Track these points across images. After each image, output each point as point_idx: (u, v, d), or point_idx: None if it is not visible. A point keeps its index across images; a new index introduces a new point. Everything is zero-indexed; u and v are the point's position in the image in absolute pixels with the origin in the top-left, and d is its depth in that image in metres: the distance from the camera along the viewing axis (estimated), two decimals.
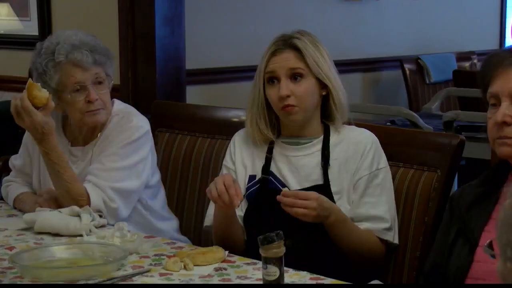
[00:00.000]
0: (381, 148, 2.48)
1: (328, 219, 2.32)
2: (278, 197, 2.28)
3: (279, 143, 2.52)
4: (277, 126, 2.53)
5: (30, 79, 2.57)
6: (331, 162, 2.46)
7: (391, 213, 2.44)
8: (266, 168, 2.50)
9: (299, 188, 2.43)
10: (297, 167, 2.47)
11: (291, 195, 2.28)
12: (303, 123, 2.48)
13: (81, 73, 2.65)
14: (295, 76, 2.43)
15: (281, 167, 2.49)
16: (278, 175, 2.48)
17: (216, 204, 2.36)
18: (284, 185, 2.44)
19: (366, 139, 2.48)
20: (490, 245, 1.28)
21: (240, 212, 2.48)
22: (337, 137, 2.49)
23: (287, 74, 2.43)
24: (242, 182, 2.50)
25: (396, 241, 2.46)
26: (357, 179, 2.44)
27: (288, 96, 2.41)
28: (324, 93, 2.49)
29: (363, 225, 2.42)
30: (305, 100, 2.44)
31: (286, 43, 2.45)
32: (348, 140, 2.48)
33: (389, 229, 2.43)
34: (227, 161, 2.58)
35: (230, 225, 2.43)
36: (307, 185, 2.43)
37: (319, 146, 2.49)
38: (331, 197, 2.41)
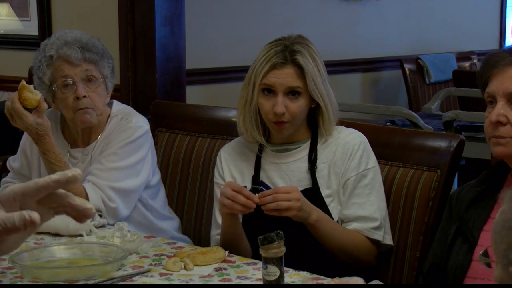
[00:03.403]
0: (370, 148, 2.48)
1: (311, 216, 2.31)
2: (259, 199, 2.25)
3: (268, 152, 2.51)
4: (268, 131, 2.52)
5: (22, 81, 2.57)
6: (320, 165, 2.45)
7: (381, 212, 2.43)
8: (256, 178, 2.49)
9: None
10: (287, 173, 2.47)
11: (271, 193, 2.28)
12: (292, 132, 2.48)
13: (69, 68, 2.66)
14: (291, 92, 2.42)
15: (272, 175, 2.48)
16: (269, 184, 2.47)
17: (234, 211, 2.31)
18: None
19: (354, 140, 2.47)
20: (485, 254, 1.28)
21: None
22: (325, 139, 2.49)
23: (285, 91, 2.41)
24: None
25: (387, 241, 2.45)
26: (345, 180, 2.43)
27: (283, 114, 2.41)
28: (313, 106, 2.47)
29: (351, 226, 2.41)
30: (298, 117, 2.43)
31: (288, 57, 2.41)
32: (336, 142, 2.47)
33: (377, 228, 2.41)
34: (216, 177, 2.57)
35: (238, 241, 2.41)
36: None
37: (308, 150, 2.48)
38: (321, 200, 2.41)
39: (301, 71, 2.41)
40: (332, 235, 2.36)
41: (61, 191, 1.18)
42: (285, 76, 2.41)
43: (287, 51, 2.42)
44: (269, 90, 2.43)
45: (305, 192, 2.38)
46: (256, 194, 2.28)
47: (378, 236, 2.42)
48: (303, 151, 2.49)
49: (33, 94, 2.54)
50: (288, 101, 2.41)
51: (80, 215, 1.18)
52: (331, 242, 2.36)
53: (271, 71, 2.41)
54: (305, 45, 2.44)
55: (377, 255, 2.46)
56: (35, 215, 1.10)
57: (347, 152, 2.45)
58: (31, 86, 2.56)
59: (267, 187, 2.46)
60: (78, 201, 1.18)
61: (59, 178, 1.15)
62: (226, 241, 2.41)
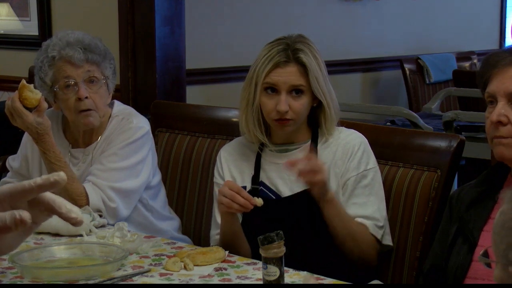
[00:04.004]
0: (370, 149, 2.48)
1: (328, 192, 2.33)
2: (287, 163, 2.30)
3: (268, 152, 2.51)
4: (268, 131, 2.52)
5: (23, 80, 2.58)
6: None
7: (381, 213, 2.43)
8: (255, 178, 2.49)
9: (291, 194, 2.43)
10: (287, 173, 2.47)
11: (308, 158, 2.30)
12: (293, 131, 2.48)
13: (72, 69, 2.66)
14: (295, 91, 2.42)
15: (272, 176, 2.48)
16: (268, 184, 2.47)
17: (231, 210, 2.31)
18: (275, 193, 2.44)
19: (354, 140, 2.47)
20: (485, 254, 1.28)
21: None
22: (326, 139, 2.49)
23: (288, 89, 2.41)
24: None
25: (387, 241, 2.44)
26: (345, 180, 2.44)
27: (286, 112, 2.41)
28: (314, 104, 2.48)
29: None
30: (301, 115, 2.43)
31: (291, 56, 2.41)
32: (336, 142, 2.48)
33: (379, 227, 2.42)
34: (216, 177, 2.57)
35: (237, 240, 2.41)
36: (298, 190, 2.43)
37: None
38: None
39: (304, 69, 2.41)
40: (342, 217, 2.36)
41: (48, 197, 1.18)
42: (288, 75, 2.41)
43: (290, 49, 2.42)
44: (272, 89, 2.43)
45: (305, 192, 2.39)
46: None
47: (379, 234, 2.41)
48: (303, 151, 2.48)
49: (33, 94, 2.54)
50: (291, 99, 2.41)
51: (69, 223, 1.18)
52: (341, 224, 2.35)
53: (274, 70, 2.41)
54: (306, 44, 2.45)
55: (378, 255, 2.45)
56: (26, 215, 1.10)
57: (347, 153, 2.45)
58: (31, 86, 2.56)
59: (267, 187, 2.46)
60: (64, 209, 1.18)
61: (42, 183, 1.15)
62: (225, 240, 2.41)
